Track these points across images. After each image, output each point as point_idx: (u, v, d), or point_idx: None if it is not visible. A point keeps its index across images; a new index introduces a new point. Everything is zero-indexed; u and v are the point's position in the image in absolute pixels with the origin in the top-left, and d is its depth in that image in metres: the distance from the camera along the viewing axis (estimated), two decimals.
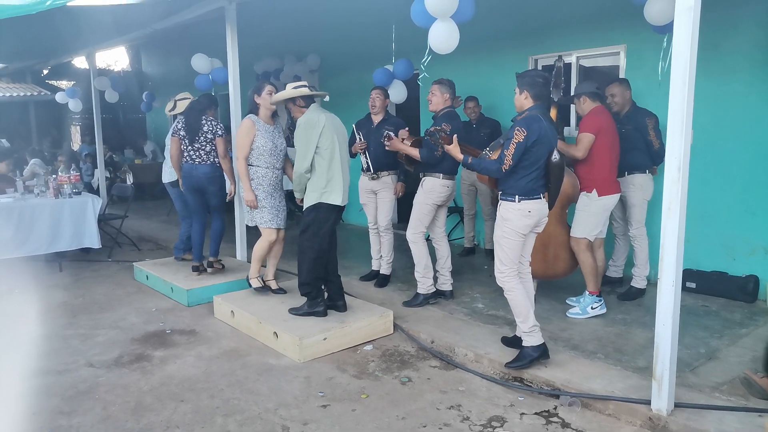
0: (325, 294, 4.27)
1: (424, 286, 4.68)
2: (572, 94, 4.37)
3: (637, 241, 4.70)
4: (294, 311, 4.22)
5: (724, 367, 3.45)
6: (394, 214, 5.32)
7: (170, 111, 5.55)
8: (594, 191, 4.22)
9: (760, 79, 4.52)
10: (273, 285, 4.78)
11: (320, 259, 4.15)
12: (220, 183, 5.20)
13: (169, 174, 5.75)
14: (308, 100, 4.16)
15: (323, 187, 4.07)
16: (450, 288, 4.82)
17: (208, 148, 5.08)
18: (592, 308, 4.32)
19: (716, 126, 4.76)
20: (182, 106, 5.42)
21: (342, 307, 4.25)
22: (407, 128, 4.79)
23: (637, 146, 4.55)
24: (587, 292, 4.36)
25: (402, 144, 4.52)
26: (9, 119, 12.58)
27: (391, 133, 4.65)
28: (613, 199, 4.28)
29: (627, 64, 5.30)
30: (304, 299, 4.26)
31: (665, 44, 4.24)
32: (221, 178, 5.20)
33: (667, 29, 3.86)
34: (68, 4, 4.00)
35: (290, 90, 4.15)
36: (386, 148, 4.71)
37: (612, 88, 4.60)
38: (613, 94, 4.60)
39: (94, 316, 4.78)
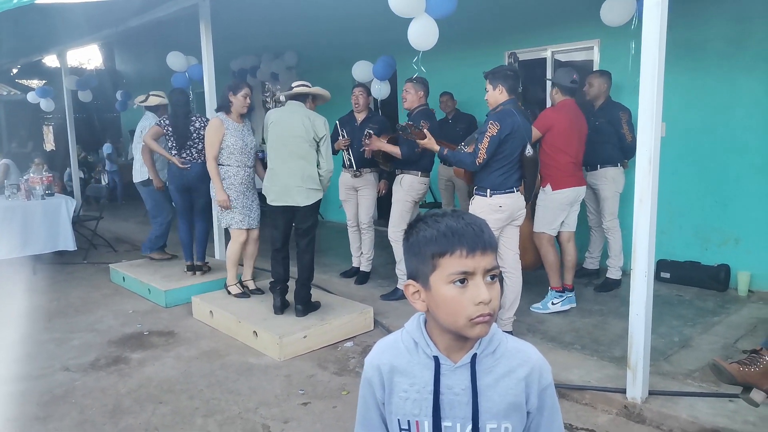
0: (281, 292, 4.23)
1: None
2: (550, 80, 4.41)
3: (611, 233, 4.77)
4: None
5: (696, 354, 3.53)
6: (374, 211, 5.32)
7: (141, 102, 5.50)
8: (548, 186, 4.24)
9: (730, 73, 4.62)
10: (251, 285, 4.75)
11: (273, 256, 4.23)
12: (208, 182, 5.10)
13: (139, 173, 5.68)
14: (291, 98, 4.21)
15: (265, 184, 4.20)
16: None
17: (200, 147, 5.01)
18: (552, 303, 4.34)
19: (688, 118, 4.85)
20: (155, 101, 5.37)
21: (298, 312, 4.13)
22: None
23: (610, 140, 4.62)
24: (550, 288, 4.41)
25: (381, 142, 4.52)
26: None
27: (371, 132, 4.66)
28: (570, 192, 4.25)
29: (601, 58, 5.37)
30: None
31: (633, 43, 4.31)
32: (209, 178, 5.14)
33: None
34: (37, 1, 3.92)
35: (296, 88, 4.23)
36: (364, 147, 4.72)
37: (592, 78, 4.69)
38: (591, 83, 4.67)
39: (70, 319, 4.70)
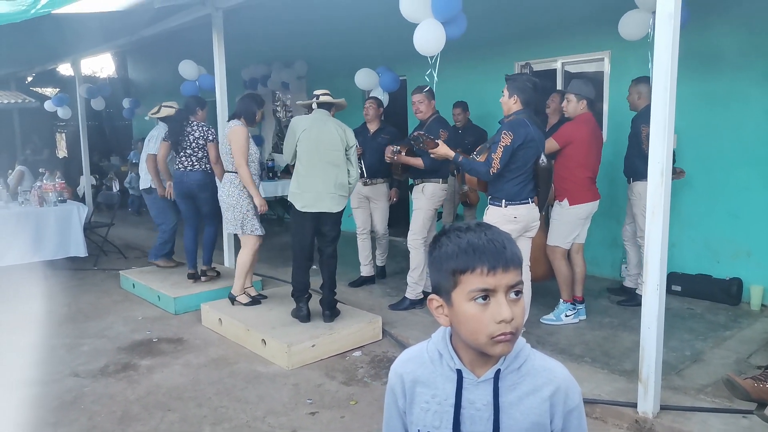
0: (307, 300, 4.23)
1: (414, 291, 4.71)
2: (566, 90, 4.33)
3: (644, 249, 4.69)
4: (291, 312, 4.26)
5: (708, 369, 3.49)
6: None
7: (152, 114, 5.58)
8: (565, 200, 4.21)
9: (741, 84, 4.60)
10: (252, 292, 4.75)
11: (297, 263, 4.20)
12: (211, 189, 5.14)
13: (144, 181, 5.75)
14: (325, 106, 4.28)
15: (291, 188, 4.18)
16: (422, 296, 4.76)
17: (200, 155, 5.07)
18: (566, 315, 4.32)
19: (699, 130, 4.83)
20: (165, 112, 5.44)
21: (327, 317, 4.19)
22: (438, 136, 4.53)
23: (639, 153, 4.36)
24: (561, 300, 4.37)
25: (407, 158, 4.55)
26: None
27: (398, 149, 4.61)
28: (587, 207, 4.23)
29: (611, 69, 5.36)
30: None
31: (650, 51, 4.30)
32: (212, 185, 5.15)
33: None
34: (53, 11, 3.98)
35: (317, 99, 4.28)
36: (388, 160, 4.71)
37: (640, 86, 4.47)
38: (640, 92, 4.45)
39: (80, 325, 4.73)
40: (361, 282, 5.45)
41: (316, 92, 4.35)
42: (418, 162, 4.51)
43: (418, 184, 4.70)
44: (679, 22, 2.58)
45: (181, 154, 5.06)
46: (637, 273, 4.75)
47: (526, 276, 3.67)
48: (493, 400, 1.08)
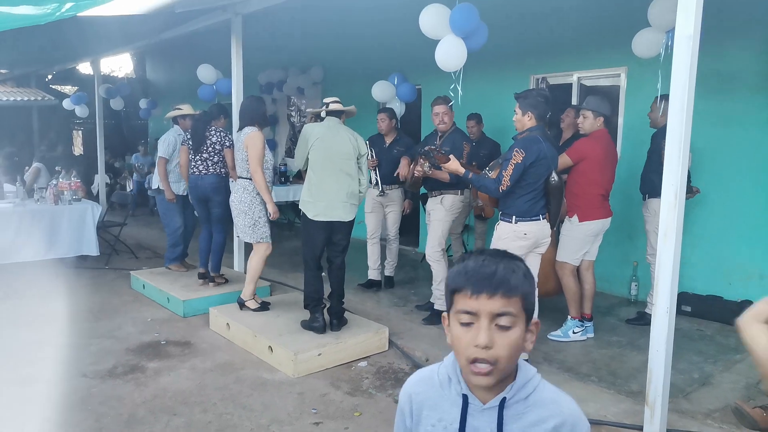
0: (324, 311, 4.24)
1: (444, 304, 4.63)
2: (582, 106, 4.31)
3: (654, 267, 4.67)
4: (302, 323, 4.24)
5: (717, 393, 3.45)
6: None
7: (168, 116, 5.74)
8: (575, 216, 4.19)
9: (758, 105, 4.56)
10: (258, 299, 4.77)
11: (311, 272, 4.20)
12: (224, 194, 5.17)
13: (156, 181, 5.87)
14: (336, 114, 4.28)
15: (303, 197, 4.18)
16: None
17: (215, 159, 5.15)
18: (573, 332, 4.29)
19: (714, 150, 4.79)
20: (172, 114, 5.66)
21: (335, 326, 4.19)
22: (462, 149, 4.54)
23: (657, 170, 4.32)
24: (569, 317, 4.35)
25: (437, 172, 4.45)
26: (11, 124, 12.59)
27: (426, 166, 4.52)
28: (597, 224, 4.21)
29: (627, 86, 5.34)
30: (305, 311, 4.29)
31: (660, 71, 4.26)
32: (226, 189, 5.20)
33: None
34: (78, 14, 4.04)
35: (326, 107, 4.29)
36: (418, 174, 4.63)
37: (665, 104, 4.45)
38: (664, 109, 4.43)
39: (90, 324, 4.77)
40: (370, 284, 5.56)
41: (326, 100, 4.36)
42: (444, 176, 4.44)
43: (435, 196, 4.69)
44: (698, 44, 2.57)
45: (197, 158, 5.11)
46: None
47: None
48: (497, 428, 1.08)
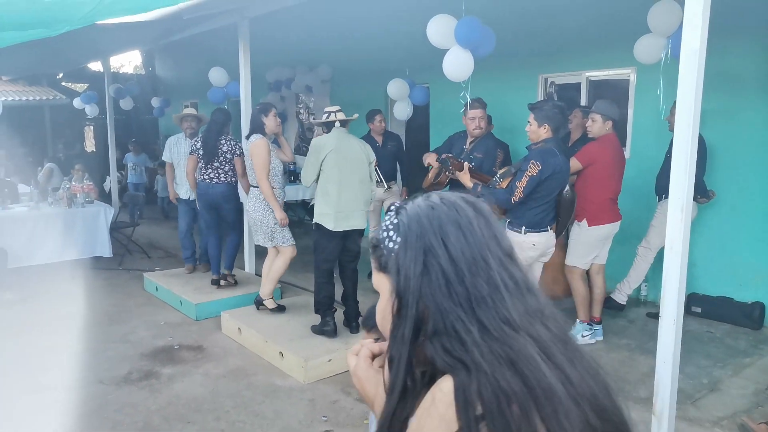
0: (334, 314, 4.29)
1: None
2: (592, 109, 4.31)
3: (640, 258, 4.71)
4: (312, 328, 4.29)
5: (725, 400, 3.46)
6: None
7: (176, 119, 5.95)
8: (584, 221, 4.18)
9: (766, 104, 4.51)
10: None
11: (325, 279, 4.22)
12: (234, 201, 5.34)
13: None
14: (330, 125, 4.27)
15: (321, 210, 4.18)
16: None
17: (226, 168, 5.21)
18: (582, 336, 4.32)
19: (724, 152, 4.76)
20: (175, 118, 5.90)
21: (354, 329, 4.29)
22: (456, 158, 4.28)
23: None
24: (578, 320, 4.37)
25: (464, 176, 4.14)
26: (24, 123, 12.71)
27: (449, 170, 4.28)
28: (606, 228, 4.22)
29: (637, 86, 5.30)
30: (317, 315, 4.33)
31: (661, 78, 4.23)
32: (236, 196, 5.31)
33: None
34: (97, 22, 4.10)
35: (324, 117, 4.31)
36: (442, 180, 4.39)
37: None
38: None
39: (105, 328, 4.86)
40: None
41: (330, 109, 4.33)
42: (468, 182, 4.19)
43: None
44: (704, 60, 2.56)
45: (208, 166, 5.17)
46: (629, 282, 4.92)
47: None
48: None
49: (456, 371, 0.79)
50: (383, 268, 0.91)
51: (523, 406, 0.74)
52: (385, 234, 0.90)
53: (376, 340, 1.04)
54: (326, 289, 4.25)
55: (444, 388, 0.79)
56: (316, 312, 4.29)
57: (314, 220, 4.23)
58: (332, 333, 4.18)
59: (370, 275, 5.69)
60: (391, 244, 0.88)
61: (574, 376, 0.80)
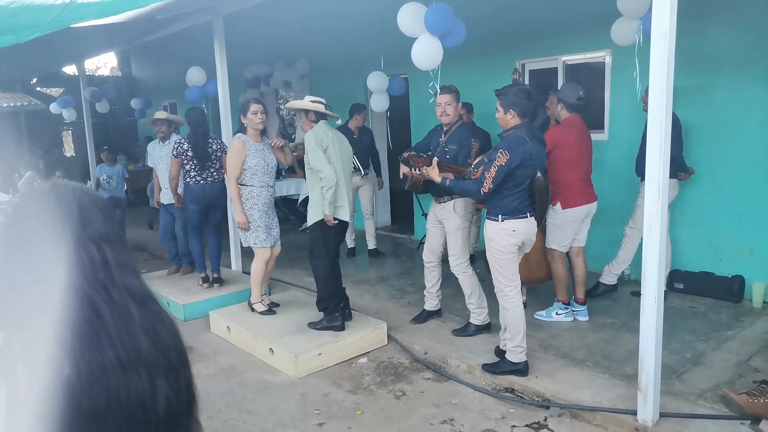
0: (343, 308, 4.32)
1: (479, 317, 4.23)
2: (553, 94, 4.41)
3: (627, 239, 4.79)
4: (312, 325, 4.28)
5: (709, 373, 3.54)
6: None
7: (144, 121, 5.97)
8: (558, 204, 4.23)
9: (744, 83, 4.58)
10: (265, 300, 4.83)
11: (332, 273, 4.24)
12: (225, 199, 5.39)
13: (167, 198, 5.94)
14: (320, 116, 4.22)
15: (339, 204, 4.15)
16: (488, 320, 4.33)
17: (217, 165, 5.26)
18: (557, 314, 4.44)
19: (702, 129, 4.83)
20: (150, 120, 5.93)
21: (348, 316, 4.34)
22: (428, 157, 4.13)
23: None
24: (556, 299, 4.46)
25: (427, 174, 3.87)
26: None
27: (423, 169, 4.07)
28: (581, 210, 4.27)
29: (612, 68, 5.35)
30: (319, 312, 4.33)
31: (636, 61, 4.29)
32: (226, 195, 5.33)
33: None
34: (72, 26, 4.05)
35: (307, 102, 4.21)
36: (417, 177, 4.05)
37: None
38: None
39: None
40: (353, 252, 6.77)
41: (316, 99, 4.23)
42: (434, 175, 3.79)
43: (445, 202, 4.15)
44: (674, 40, 2.60)
45: (199, 169, 5.16)
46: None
47: (510, 291, 3.56)
48: None
49: None
50: None
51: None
52: None
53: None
54: (336, 285, 4.27)
55: None
56: (322, 309, 4.27)
57: (321, 217, 4.08)
58: (341, 327, 4.19)
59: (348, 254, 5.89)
60: None
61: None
